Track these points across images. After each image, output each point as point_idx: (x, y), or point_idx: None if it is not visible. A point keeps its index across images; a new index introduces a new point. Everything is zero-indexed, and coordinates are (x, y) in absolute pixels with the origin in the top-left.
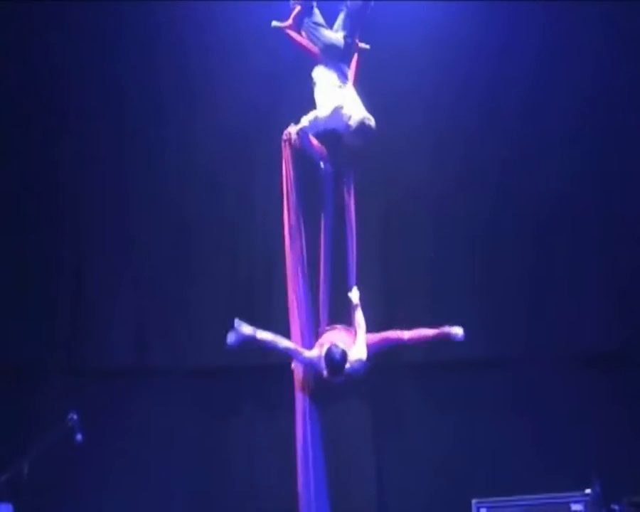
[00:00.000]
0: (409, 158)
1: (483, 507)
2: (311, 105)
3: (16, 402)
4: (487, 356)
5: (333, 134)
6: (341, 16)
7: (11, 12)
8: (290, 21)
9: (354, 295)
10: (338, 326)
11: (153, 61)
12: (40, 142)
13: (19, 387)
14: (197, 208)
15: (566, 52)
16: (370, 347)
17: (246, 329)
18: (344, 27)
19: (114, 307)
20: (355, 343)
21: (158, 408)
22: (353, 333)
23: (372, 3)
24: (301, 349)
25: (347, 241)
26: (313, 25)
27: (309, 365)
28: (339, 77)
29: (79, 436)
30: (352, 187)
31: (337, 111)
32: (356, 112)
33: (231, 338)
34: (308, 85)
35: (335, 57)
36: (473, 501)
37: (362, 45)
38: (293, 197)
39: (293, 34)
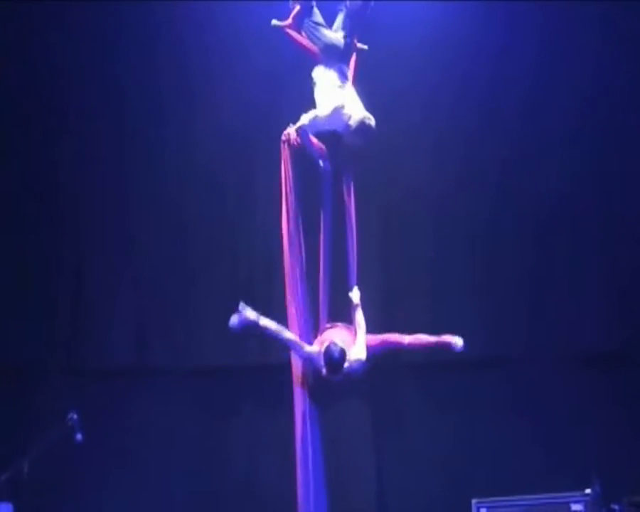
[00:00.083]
0: (409, 158)
1: (483, 507)
2: (312, 105)
3: (15, 402)
4: (487, 356)
5: (333, 134)
6: (340, 16)
7: (11, 12)
8: (290, 20)
9: (355, 295)
10: (339, 324)
11: (153, 61)
12: (40, 142)
13: (19, 387)
14: (197, 207)
15: (565, 52)
16: (369, 348)
17: (250, 314)
18: (343, 27)
19: (114, 307)
20: (355, 342)
21: (158, 408)
22: (354, 332)
23: (372, 3)
24: (301, 342)
25: (347, 241)
26: (313, 25)
27: (308, 361)
28: (339, 77)
29: (79, 436)
30: (352, 187)
31: (337, 111)
32: (356, 111)
33: (234, 320)
34: (309, 85)
35: (335, 57)
36: (473, 501)
37: (360, 45)
38: (292, 198)
39: (293, 33)
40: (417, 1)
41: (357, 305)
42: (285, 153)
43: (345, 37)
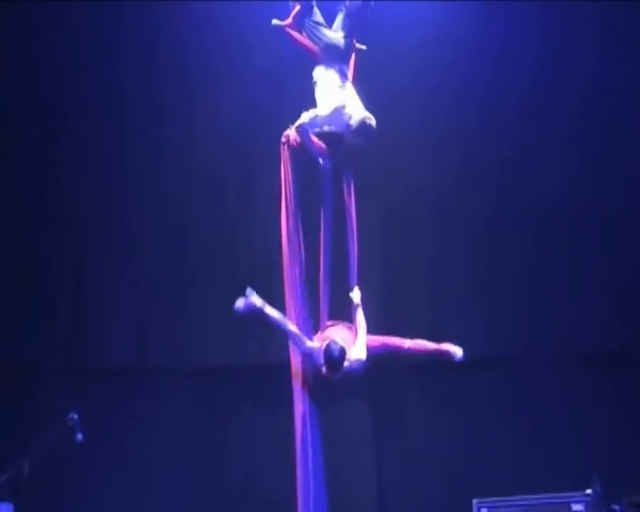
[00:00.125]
0: (409, 158)
1: (484, 507)
2: (312, 105)
3: (15, 402)
4: (487, 356)
5: (333, 134)
6: (340, 16)
7: (11, 12)
8: (290, 20)
9: (355, 295)
10: (341, 322)
11: (153, 61)
12: (40, 142)
13: (19, 387)
14: (197, 208)
15: (565, 52)
16: (369, 349)
17: (256, 300)
18: (343, 27)
19: (114, 307)
20: (355, 342)
21: (158, 408)
22: (355, 331)
23: (372, 3)
24: (303, 336)
25: (348, 241)
26: (313, 25)
27: (308, 357)
28: (340, 77)
29: (79, 436)
30: (352, 186)
31: (338, 110)
32: (357, 111)
33: (239, 304)
34: (309, 85)
35: (335, 57)
36: (474, 501)
37: (359, 45)
38: (291, 199)
39: (293, 33)
40: (417, 1)
41: (357, 305)
42: (285, 154)
43: (345, 37)
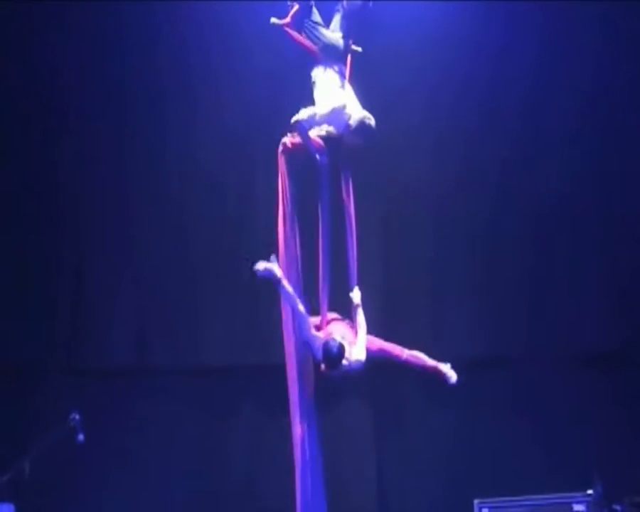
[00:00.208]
0: (409, 158)
1: (485, 507)
2: (312, 105)
3: (16, 402)
4: (487, 356)
5: (332, 134)
6: (337, 17)
7: (11, 12)
8: (288, 19)
9: (355, 295)
10: (344, 319)
11: (153, 61)
12: (40, 142)
13: (19, 387)
14: (198, 207)
15: (565, 52)
16: (368, 351)
17: (277, 270)
18: (341, 27)
19: (115, 307)
20: (355, 341)
21: (159, 408)
22: (356, 331)
23: (370, 4)
24: (310, 322)
25: (347, 241)
26: (312, 25)
27: (307, 349)
28: (339, 77)
29: (81, 437)
30: (351, 187)
31: (338, 110)
32: (356, 111)
33: (260, 266)
34: (310, 85)
35: (334, 57)
36: (476, 501)
37: (354, 47)
38: (288, 205)
39: (292, 32)
40: (417, 1)
41: (358, 305)
42: (282, 162)
43: (343, 37)
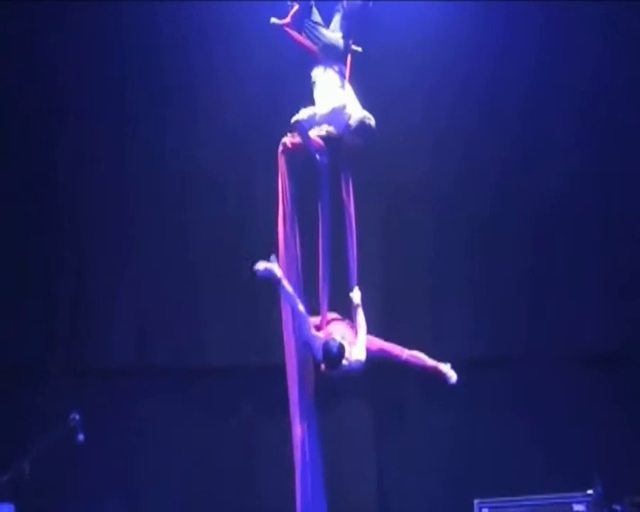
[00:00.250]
0: (409, 158)
1: (485, 507)
2: (312, 105)
3: (16, 402)
4: (487, 356)
5: (332, 134)
6: (337, 17)
7: (11, 12)
8: (288, 19)
9: (355, 295)
10: (344, 319)
11: (153, 61)
12: (40, 142)
13: (19, 387)
14: (198, 207)
15: (566, 52)
16: (368, 351)
17: (277, 270)
18: (341, 27)
19: (115, 307)
20: (355, 341)
21: (159, 408)
22: (356, 331)
23: (370, 4)
24: (310, 322)
25: (347, 241)
26: (312, 25)
27: (307, 345)
28: (339, 77)
29: (81, 437)
30: (351, 187)
31: (338, 110)
32: (356, 111)
33: (260, 266)
34: (310, 85)
35: (334, 57)
36: (476, 501)
37: (354, 47)
38: (288, 205)
39: (292, 32)
40: (417, 1)
41: (358, 305)
42: (282, 162)
43: (343, 37)
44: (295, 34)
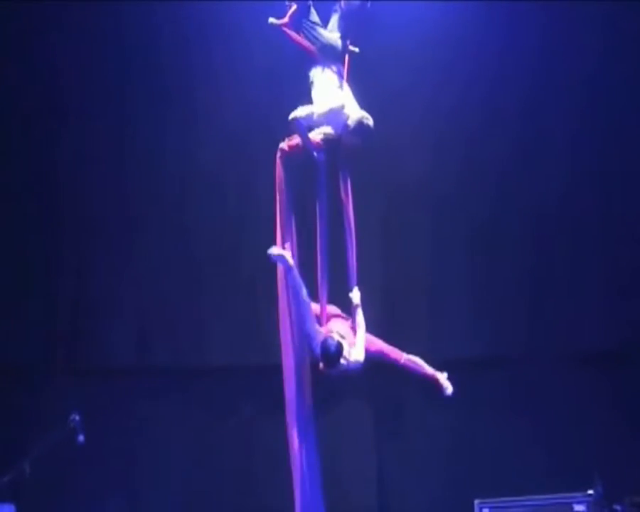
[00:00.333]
0: (409, 158)
1: (485, 507)
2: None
3: (16, 402)
4: (487, 356)
5: (330, 135)
6: (335, 17)
7: (11, 12)
8: (286, 19)
9: (355, 296)
10: (345, 317)
11: (153, 61)
12: (40, 142)
13: (19, 387)
14: (198, 207)
15: (566, 52)
16: (366, 351)
17: (288, 258)
18: (338, 28)
19: (115, 307)
20: (355, 341)
21: (159, 408)
22: (355, 331)
23: (369, 4)
24: (313, 316)
25: (346, 241)
26: (310, 25)
27: (308, 339)
28: (337, 77)
29: (81, 438)
30: (349, 187)
31: (336, 111)
32: (354, 111)
33: (274, 251)
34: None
35: (332, 57)
36: (476, 502)
37: (352, 48)
38: (284, 212)
39: (290, 32)
40: (417, 1)
41: (357, 306)
42: (279, 169)
43: (340, 37)
44: (293, 34)
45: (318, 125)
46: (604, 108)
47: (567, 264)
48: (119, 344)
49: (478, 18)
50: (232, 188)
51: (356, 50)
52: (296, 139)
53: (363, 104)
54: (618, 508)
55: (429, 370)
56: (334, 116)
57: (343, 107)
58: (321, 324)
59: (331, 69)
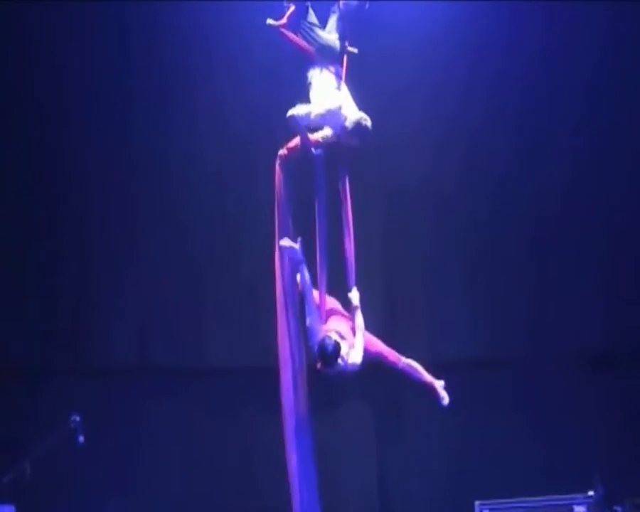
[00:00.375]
0: (409, 158)
1: (486, 508)
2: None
3: (16, 402)
4: (487, 356)
5: (328, 138)
6: (333, 18)
7: (11, 12)
8: (284, 20)
9: (354, 296)
10: (345, 315)
11: (154, 61)
12: (40, 142)
13: (19, 387)
14: (199, 207)
15: (566, 52)
16: (366, 352)
17: (300, 253)
18: (337, 29)
19: (115, 307)
20: (354, 343)
21: (159, 408)
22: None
23: (367, 5)
24: (317, 314)
25: (345, 241)
26: (308, 26)
27: (307, 334)
28: (335, 78)
29: (81, 438)
30: (348, 187)
31: (334, 111)
32: (352, 112)
33: (285, 243)
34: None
35: (330, 58)
36: (477, 503)
37: (350, 48)
38: (282, 216)
39: (288, 33)
40: (417, 1)
41: (356, 307)
42: (279, 175)
43: (339, 38)
44: (291, 35)
45: (315, 125)
46: (604, 108)
47: (567, 264)
48: (119, 344)
49: (479, 18)
50: (233, 189)
51: (355, 50)
52: (294, 141)
53: (363, 104)
54: (618, 509)
55: (427, 377)
56: (332, 117)
57: (340, 108)
58: (322, 308)
59: (329, 70)
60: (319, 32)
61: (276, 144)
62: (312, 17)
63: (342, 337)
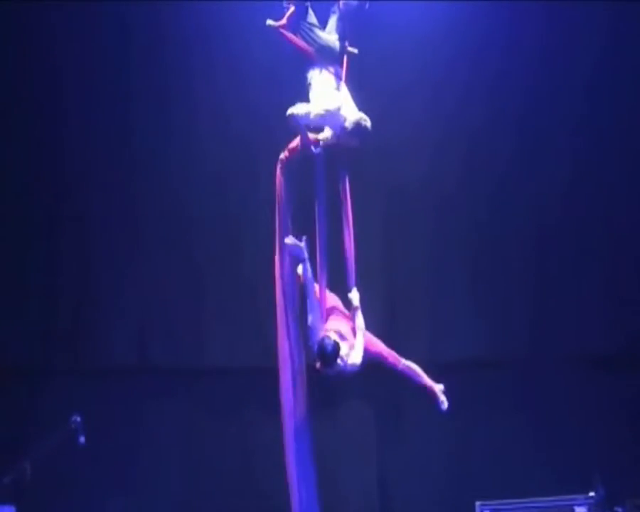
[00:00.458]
0: (409, 158)
1: (486, 509)
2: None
3: (17, 402)
4: (488, 357)
5: (328, 139)
6: (333, 19)
7: (11, 12)
8: (284, 21)
9: (354, 297)
10: (346, 314)
11: (155, 61)
12: (41, 142)
13: (19, 387)
14: (200, 206)
15: (566, 52)
16: (366, 352)
17: (305, 251)
18: (337, 29)
19: (116, 307)
20: (353, 344)
21: (159, 408)
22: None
23: (367, 5)
24: (319, 312)
25: (345, 242)
26: (308, 26)
27: (308, 332)
28: (334, 79)
29: (82, 439)
30: (348, 187)
31: (333, 112)
32: (351, 113)
33: (290, 240)
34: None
35: (330, 59)
36: (477, 503)
37: (350, 49)
38: (284, 218)
39: (288, 34)
40: (417, 0)
41: (356, 307)
42: (279, 178)
43: (339, 39)
44: (291, 36)
45: (315, 125)
46: (605, 108)
47: (568, 265)
48: (119, 344)
49: (479, 18)
50: (233, 189)
51: (355, 51)
52: (294, 142)
53: (363, 104)
54: (619, 510)
55: (427, 380)
56: (331, 117)
57: (339, 108)
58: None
59: (329, 70)
60: (319, 32)
61: (276, 144)
62: (312, 17)
63: (342, 337)
